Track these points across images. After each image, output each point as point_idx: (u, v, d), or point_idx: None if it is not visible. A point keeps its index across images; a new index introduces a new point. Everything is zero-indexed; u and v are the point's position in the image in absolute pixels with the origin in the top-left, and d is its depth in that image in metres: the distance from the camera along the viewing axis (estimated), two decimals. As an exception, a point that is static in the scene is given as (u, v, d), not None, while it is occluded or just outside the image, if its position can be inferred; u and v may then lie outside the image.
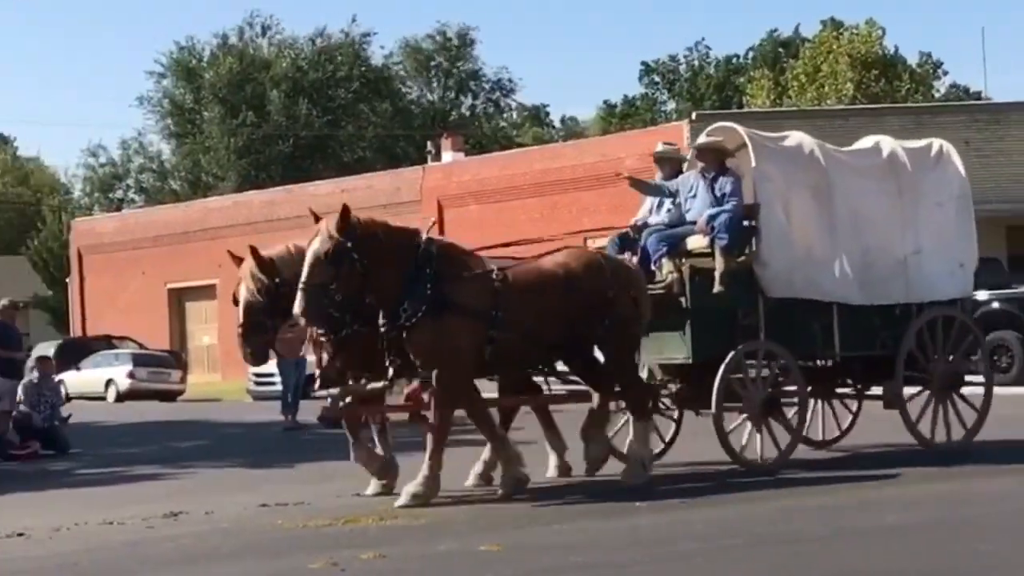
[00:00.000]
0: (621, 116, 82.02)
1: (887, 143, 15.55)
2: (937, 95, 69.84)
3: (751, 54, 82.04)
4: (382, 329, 12.57)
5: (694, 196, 14.38)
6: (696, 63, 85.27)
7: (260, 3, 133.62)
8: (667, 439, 15.23)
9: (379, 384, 13.03)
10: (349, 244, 12.30)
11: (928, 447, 14.90)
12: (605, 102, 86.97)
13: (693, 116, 43.84)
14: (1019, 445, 16.10)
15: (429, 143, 59.82)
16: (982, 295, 29.49)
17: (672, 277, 14.04)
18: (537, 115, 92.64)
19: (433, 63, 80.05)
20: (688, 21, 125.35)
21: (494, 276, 12.91)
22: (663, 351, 14.32)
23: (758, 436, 14.04)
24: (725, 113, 57.44)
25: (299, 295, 12.23)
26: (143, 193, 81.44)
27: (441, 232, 45.72)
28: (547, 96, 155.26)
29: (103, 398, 42.08)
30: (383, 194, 48.26)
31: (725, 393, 13.84)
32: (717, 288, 13.87)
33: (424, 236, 12.87)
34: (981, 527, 10.36)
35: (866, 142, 15.87)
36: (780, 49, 77.77)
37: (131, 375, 42.06)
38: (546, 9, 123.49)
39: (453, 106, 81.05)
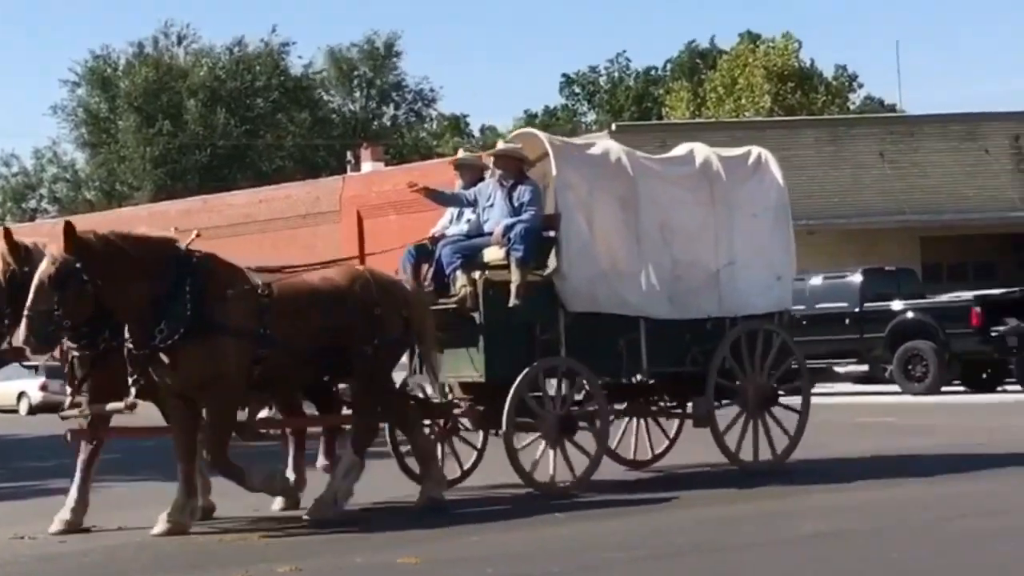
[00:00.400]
0: (541, 126, 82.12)
1: (701, 151, 14.93)
2: (852, 107, 70.68)
3: (669, 66, 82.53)
4: (129, 348, 11.66)
5: (492, 205, 13.76)
6: (616, 75, 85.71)
7: (176, 12, 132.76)
8: (466, 466, 14.46)
9: (120, 404, 12.04)
10: (78, 265, 11.33)
11: (741, 467, 14.39)
12: (526, 111, 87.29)
13: (613, 127, 44.06)
14: (929, 454, 16.23)
15: (349, 153, 59.65)
16: (897, 305, 29.88)
17: (465, 291, 13.43)
18: (457, 125, 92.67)
19: (357, 72, 79.93)
20: (608, 33, 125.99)
21: (260, 292, 12.02)
22: (458, 368, 13.59)
23: (556, 457, 13.30)
24: (644, 124, 57.77)
25: (23, 323, 11.41)
26: (57, 203, 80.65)
27: (361, 243, 45.63)
28: (467, 106, 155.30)
29: (16, 411, 41.52)
30: (302, 204, 48.08)
31: (520, 413, 13.18)
32: (512, 302, 13.20)
33: (183, 248, 11.93)
34: (895, 536, 10.41)
35: (680, 150, 15.25)
36: (698, 61, 78.31)
37: (44, 387, 41.50)
38: (466, 19, 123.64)
39: (375, 116, 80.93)
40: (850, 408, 26.15)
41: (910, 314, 29.67)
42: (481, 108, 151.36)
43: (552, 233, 13.66)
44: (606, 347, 13.82)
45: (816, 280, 31.29)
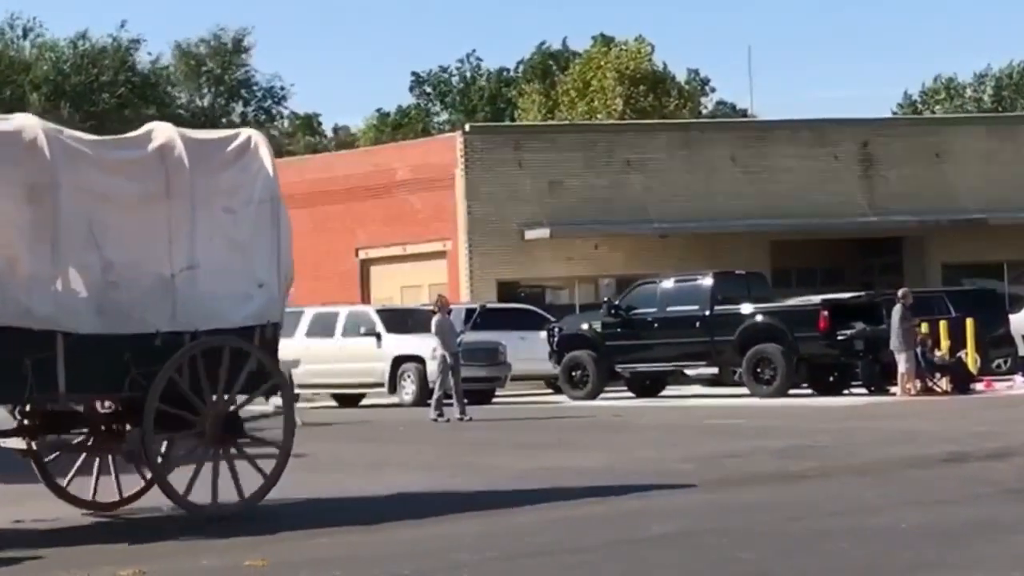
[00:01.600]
0: (393, 126, 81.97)
1: (163, 132, 12.53)
2: (705, 112, 71.59)
3: (521, 68, 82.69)
4: None
5: None
6: (468, 74, 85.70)
7: (23, 5, 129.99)
8: None
9: None
10: None
11: (194, 512, 11.92)
12: (378, 110, 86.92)
13: (466, 127, 44.05)
14: (774, 456, 16.41)
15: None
16: (746, 308, 30.23)
17: None
18: (309, 124, 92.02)
19: (205, 68, 79.04)
20: (459, 32, 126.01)
21: None
22: None
23: None
24: (498, 126, 57.88)
25: None
26: None
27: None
28: (319, 104, 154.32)
29: None
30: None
31: None
32: None
33: None
34: (743, 537, 10.46)
35: (137, 131, 12.88)
36: (551, 63, 78.61)
37: None
38: (317, 17, 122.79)
39: (224, 113, 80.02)
40: (699, 410, 26.41)
41: (759, 318, 30.04)
42: (333, 107, 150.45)
43: None
44: (6, 368, 11.33)
45: (667, 283, 31.63)
